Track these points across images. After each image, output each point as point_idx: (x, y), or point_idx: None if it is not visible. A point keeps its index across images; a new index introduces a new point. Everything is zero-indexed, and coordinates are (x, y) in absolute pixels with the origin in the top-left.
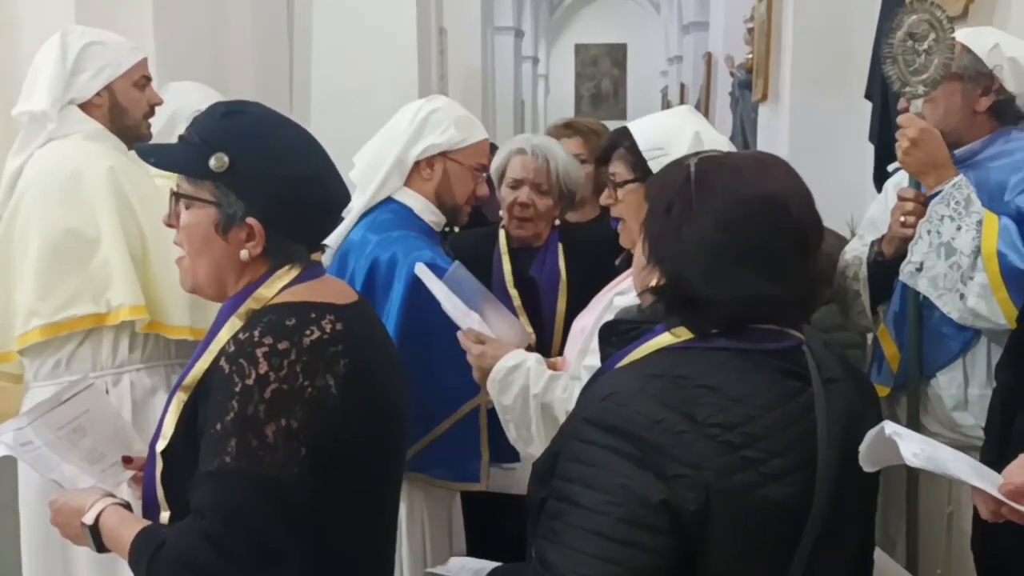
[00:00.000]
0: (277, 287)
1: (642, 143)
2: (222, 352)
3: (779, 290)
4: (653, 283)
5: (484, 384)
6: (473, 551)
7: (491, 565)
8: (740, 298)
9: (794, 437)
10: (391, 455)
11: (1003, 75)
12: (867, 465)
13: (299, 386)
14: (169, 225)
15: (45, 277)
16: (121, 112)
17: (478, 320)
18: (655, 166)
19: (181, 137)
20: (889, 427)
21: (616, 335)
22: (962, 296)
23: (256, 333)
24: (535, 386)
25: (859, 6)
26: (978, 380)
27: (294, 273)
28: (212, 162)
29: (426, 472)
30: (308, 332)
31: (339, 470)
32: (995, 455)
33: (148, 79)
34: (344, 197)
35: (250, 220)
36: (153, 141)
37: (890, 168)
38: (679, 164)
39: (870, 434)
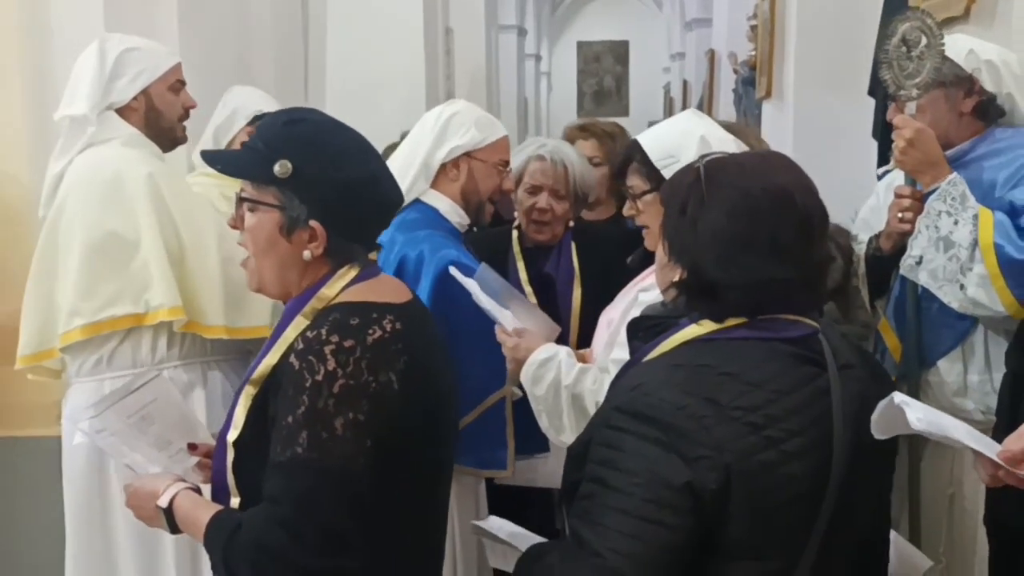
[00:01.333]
0: (339, 287)
1: (653, 154)
2: (291, 349)
3: (788, 274)
4: (676, 278)
5: (518, 375)
6: None
7: (525, 532)
8: (752, 283)
9: (811, 419)
10: (443, 443)
11: (982, 77)
12: (878, 432)
13: (364, 381)
14: (233, 227)
15: (87, 278)
16: (157, 115)
17: (510, 316)
18: (668, 174)
19: (245, 144)
20: (898, 397)
21: (643, 330)
22: (962, 286)
23: (323, 331)
24: (566, 378)
25: (863, 2)
26: (976, 367)
27: (353, 273)
28: (276, 168)
29: (454, 460)
30: (371, 331)
31: (398, 460)
32: (1005, 436)
33: (182, 83)
34: (398, 197)
35: (312, 222)
36: (209, 133)
37: (880, 171)
38: (688, 168)
39: (881, 403)
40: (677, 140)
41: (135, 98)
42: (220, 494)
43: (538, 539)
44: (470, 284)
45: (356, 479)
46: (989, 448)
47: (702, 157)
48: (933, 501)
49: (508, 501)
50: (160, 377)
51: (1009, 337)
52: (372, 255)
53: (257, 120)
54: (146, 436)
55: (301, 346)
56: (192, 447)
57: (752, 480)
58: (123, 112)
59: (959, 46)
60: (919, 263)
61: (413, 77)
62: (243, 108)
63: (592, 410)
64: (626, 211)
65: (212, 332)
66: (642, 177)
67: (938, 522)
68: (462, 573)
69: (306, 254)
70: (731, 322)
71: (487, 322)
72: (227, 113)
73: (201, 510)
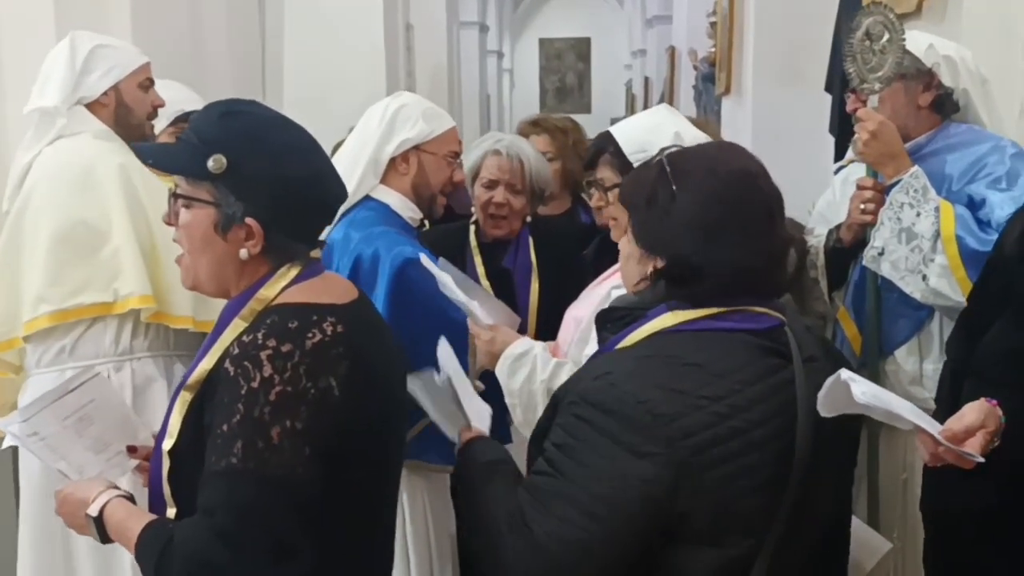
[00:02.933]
0: (279, 287)
1: (626, 146)
2: (226, 354)
3: (756, 258)
4: (649, 271)
5: (487, 368)
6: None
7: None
8: (731, 261)
9: (775, 409)
10: (391, 445)
11: (941, 72)
12: (824, 410)
13: (303, 388)
14: (168, 223)
15: (55, 265)
16: (127, 112)
17: (477, 306)
18: None
19: (179, 137)
20: (844, 373)
21: (611, 321)
22: (924, 277)
23: (260, 336)
24: (542, 372)
25: (819, 0)
26: (932, 356)
27: (294, 272)
28: (210, 163)
29: (422, 458)
30: (311, 334)
31: (343, 465)
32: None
33: (151, 81)
34: (342, 194)
35: (249, 220)
36: None
37: (836, 166)
38: (647, 164)
39: (828, 381)
40: (651, 134)
41: (105, 94)
42: (156, 503)
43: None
44: (442, 275)
45: (296, 488)
46: (931, 426)
47: (660, 151)
48: (887, 486)
49: None
50: (99, 376)
51: None
52: (316, 253)
53: (181, 120)
54: (83, 439)
55: (237, 351)
56: (132, 449)
57: (713, 469)
58: (93, 107)
59: (919, 41)
60: (881, 254)
61: (373, 74)
62: (167, 106)
63: None
64: (594, 203)
65: (179, 322)
66: (614, 169)
67: (892, 507)
68: (438, 572)
69: (243, 253)
70: (700, 313)
71: (446, 319)
72: None
73: (133, 520)
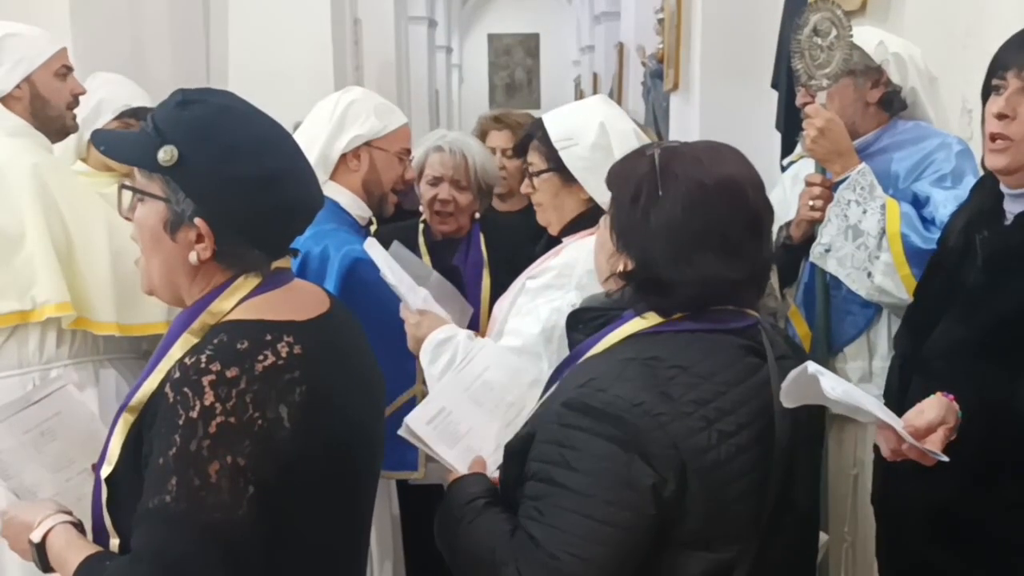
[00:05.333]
0: (234, 299)
1: (553, 134)
2: (168, 376)
3: (736, 272)
4: (621, 268)
5: (417, 352)
6: (410, 542)
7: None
8: (701, 279)
9: (756, 411)
10: (357, 483)
11: (889, 69)
12: (787, 401)
13: (248, 419)
14: (126, 218)
15: None
16: (43, 103)
17: (426, 294)
18: (565, 156)
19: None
20: (812, 367)
21: (583, 323)
22: (869, 274)
23: (203, 358)
24: (461, 359)
25: None
26: (880, 353)
27: (254, 283)
28: (160, 155)
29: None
30: (261, 357)
31: (292, 506)
32: None
33: (69, 68)
34: (315, 198)
35: (198, 220)
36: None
37: (784, 162)
38: (640, 155)
39: (793, 372)
40: (578, 123)
41: (18, 86)
42: (99, 533)
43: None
44: (384, 260)
45: (235, 532)
46: (896, 422)
47: (655, 144)
48: (839, 481)
49: (422, 502)
50: (67, 388)
51: None
52: (284, 262)
53: (126, 115)
54: (42, 455)
55: (178, 375)
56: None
57: (707, 475)
58: (6, 101)
59: (869, 37)
60: (828, 251)
61: (320, 68)
62: (110, 100)
63: None
64: (523, 188)
65: (103, 328)
66: (541, 155)
67: (843, 502)
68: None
69: (192, 256)
70: (676, 314)
71: (396, 321)
72: (92, 104)
73: (72, 552)
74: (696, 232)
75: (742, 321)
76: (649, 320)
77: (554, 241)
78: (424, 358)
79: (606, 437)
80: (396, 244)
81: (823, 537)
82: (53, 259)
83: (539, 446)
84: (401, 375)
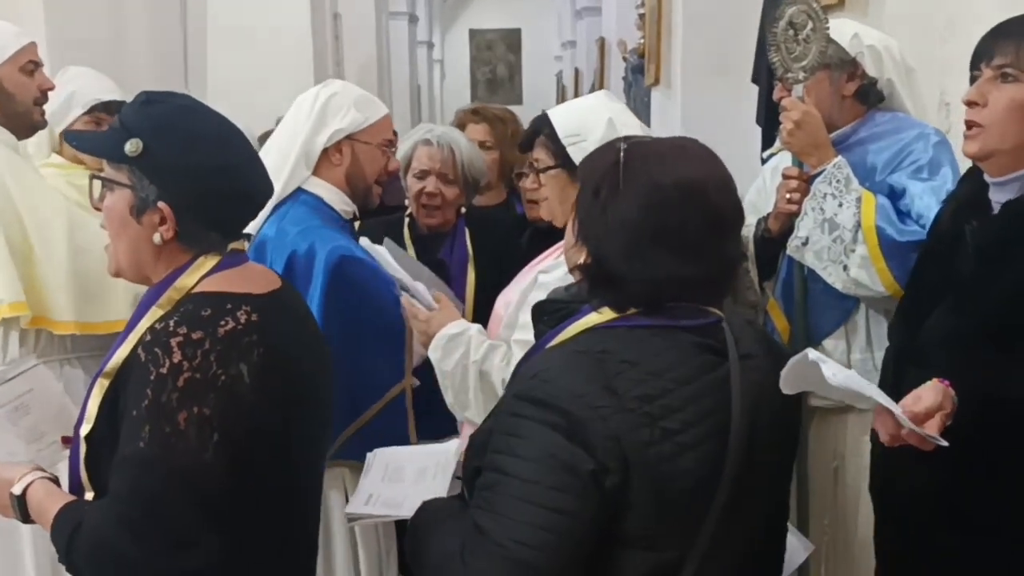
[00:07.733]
0: (197, 276)
1: (560, 130)
2: (140, 340)
3: (693, 271)
4: (580, 260)
5: (425, 349)
6: (402, 535)
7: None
8: (654, 278)
9: (709, 409)
10: (309, 441)
11: (865, 61)
12: (786, 388)
13: (212, 375)
14: (96, 208)
15: None
16: (9, 99)
17: (423, 288)
18: (573, 152)
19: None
20: (812, 354)
21: (547, 314)
22: (845, 267)
23: (172, 323)
24: (475, 353)
25: None
26: (859, 345)
27: (213, 262)
28: (127, 147)
29: (356, 459)
30: (223, 322)
31: (253, 456)
32: None
33: (37, 64)
34: (265, 189)
35: (161, 204)
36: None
37: (765, 155)
38: (610, 147)
39: (793, 359)
40: (586, 119)
41: None
42: (75, 488)
43: (413, 500)
44: (385, 256)
45: (202, 475)
46: (895, 408)
47: (625, 139)
48: (818, 475)
49: None
50: (38, 367)
51: (890, 316)
52: (238, 244)
53: (98, 109)
54: (16, 428)
55: (149, 338)
56: (67, 440)
57: (649, 471)
58: None
59: (844, 30)
60: (805, 244)
61: (301, 64)
62: (81, 94)
63: (500, 388)
64: (528, 184)
65: (62, 328)
66: (548, 152)
67: (823, 495)
68: (364, 564)
69: (156, 237)
70: (631, 310)
71: (382, 317)
72: (63, 97)
73: (51, 501)
74: (651, 230)
75: (701, 319)
76: (604, 315)
77: (538, 235)
78: (435, 354)
79: (550, 425)
80: (388, 241)
81: (808, 547)
82: (7, 258)
83: (494, 438)
84: (391, 369)
